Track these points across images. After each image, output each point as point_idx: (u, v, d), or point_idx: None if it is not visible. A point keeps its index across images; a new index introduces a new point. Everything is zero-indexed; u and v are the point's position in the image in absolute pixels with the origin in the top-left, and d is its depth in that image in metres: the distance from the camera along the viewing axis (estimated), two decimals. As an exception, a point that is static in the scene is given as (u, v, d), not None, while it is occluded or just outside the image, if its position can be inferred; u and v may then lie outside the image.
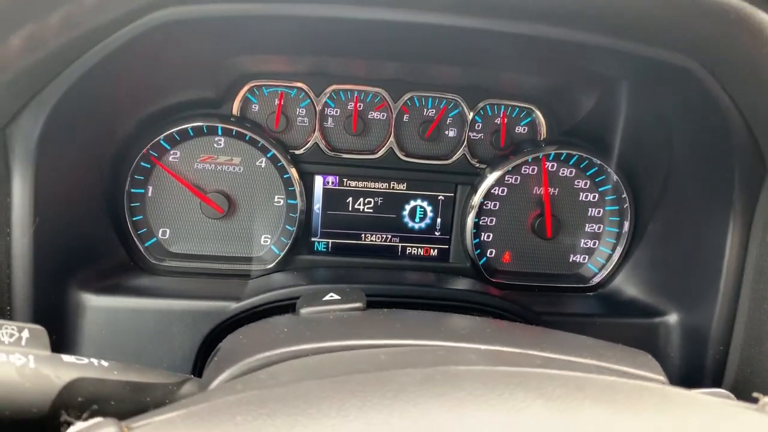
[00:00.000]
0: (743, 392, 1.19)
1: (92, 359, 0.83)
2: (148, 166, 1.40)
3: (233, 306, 1.24)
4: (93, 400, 0.81)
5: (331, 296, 1.03)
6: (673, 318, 1.36)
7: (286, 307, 1.22)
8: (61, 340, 1.17)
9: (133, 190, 1.40)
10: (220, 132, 1.41)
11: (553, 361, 0.81)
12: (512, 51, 1.18)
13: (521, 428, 0.54)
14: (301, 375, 0.71)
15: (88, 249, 1.26)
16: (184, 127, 1.37)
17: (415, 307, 1.25)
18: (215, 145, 1.42)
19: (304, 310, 1.00)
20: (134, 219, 1.41)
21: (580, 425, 0.56)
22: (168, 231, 1.44)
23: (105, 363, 0.84)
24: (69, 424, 0.69)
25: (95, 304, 1.21)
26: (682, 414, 0.59)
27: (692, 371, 1.31)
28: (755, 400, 0.67)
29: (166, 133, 1.37)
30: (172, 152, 1.41)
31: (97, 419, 0.60)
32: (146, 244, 1.42)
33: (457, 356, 0.75)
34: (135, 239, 1.40)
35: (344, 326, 0.92)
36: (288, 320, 1.00)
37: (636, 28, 0.96)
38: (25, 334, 0.79)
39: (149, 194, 1.42)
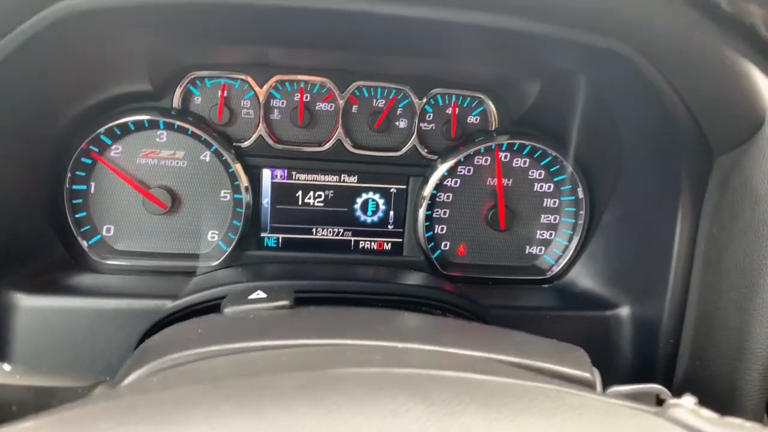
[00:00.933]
0: (694, 385, 1.17)
1: (-7, 364, 0.80)
2: (90, 161, 1.37)
3: (169, 304, 1.21)
4: (-7, 406, 0.78)
5: (258, 294, 1.01)
6: (625, 311, 1.33)
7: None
8: (-8, 343, 1.15)
9: (74, 187, 1.36)
10: (161, 126, 1.37)
11: (469, 360, 0.78)
12: (453, 40, 1.14)
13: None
14: (190, 379, 0.68)
15: (20, 246, 1.23)
16: (123, 121, 1.33)
17: (367, 303, 1.23)
18: (157, 139, 1.39)
19: (227, 309, 0.98)
20: (77, 216, 1.37)
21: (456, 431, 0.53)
22: (113, 228, 1.41)
23: (7, 367, 0.80)
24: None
25: (27, 303, 1.18)
26: (570, 418, 0.57)
27: (644, 364, 1.29)
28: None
29: (105, 127, 1.33)
30: (113, 147, 1.38)
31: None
32: (90, 242, 1.39)
33: (360, 356, 0.72)
34: (78, 237, 1.37)
35: (261, 326, 0.89)
36: (208, 320, 0.97)
37: (566, 12, 0.93)
38: None
39: (92, 190, 1.39)
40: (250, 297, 0.99)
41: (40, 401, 0.82)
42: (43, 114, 1.21)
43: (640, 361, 1.29)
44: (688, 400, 0.61)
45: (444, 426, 0.54)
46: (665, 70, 1.00)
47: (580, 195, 1.48)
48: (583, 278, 1.48)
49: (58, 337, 1.20)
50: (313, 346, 0.78)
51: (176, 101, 1.37)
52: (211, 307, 1.19)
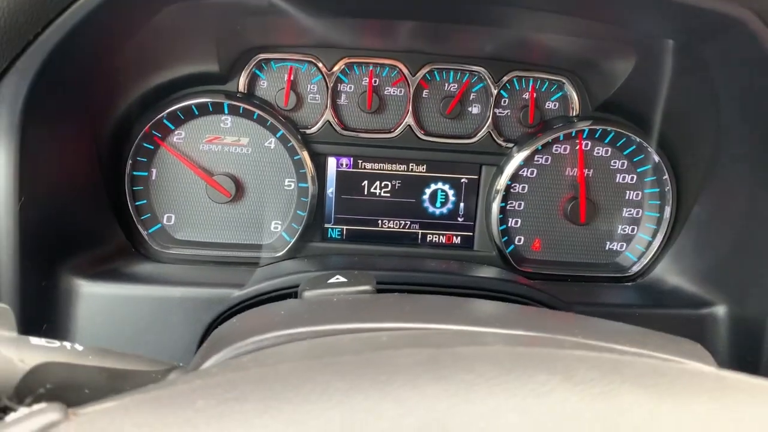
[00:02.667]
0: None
1: (65, 343, 0.74)
2: (152, 147, 1.32)
3: (236, 293, 1.15)
4: (64, 387, 0.72)
5: (337, 278, 0.93)
6: (721, 309, 1.23)
7: (292, 295, 1.13)
8: (53, 328, 1.09)
9: (135, 173, 1.32)
10: (226, 110, 1.32)
11: (585, 346, 0.70)
12: (543, 4, 1.06)
13: (543, 416, 0.43)
14: (288, 357, 0.61)
15: (83, 232, 1.18)
16: (187, 104, 1.29)
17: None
18: (221, 124, 1.34)
19: (307, 293, 0.90)
20: (137, 204, 1.33)
21: (619, 414, 0.45)
22: (173, 216, 1.36)
23: (79, 347, 0.74)
24: (9, 410, 0.60)
25: (89, 290, 1.13)
26: (743, 402, 0.48)
27: (745, 369, 1.17)
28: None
29: (168, 111, 1.28)
30: (176, 132, 1.33)
31: (42, 405, 0.51)
32: (150, 231, 1.34)
33: (469, 338, 0.64)
34: (138, 225, 1.32)
35: (348, 309, 0.81)
36: (288, 304, 0.90)
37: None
38: (-14, 313, 0.71)
39: (153, 177, 1.34)
40: (330, 281, 0.92)
41: (113, 384, 0.76)
42: (108, 91, 1.17)
43: (740, 365, 1.18)
44: None
45: (599, 408, 0.46)
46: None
47: (666, 187, 1.38)
48: (670, 275, 1.38)
49: (119, 325, 1.14)
50: (413, 329, 0.70)
51: (242, 85, 1.32)
52: (281, 296, 1.13)
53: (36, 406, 0.51)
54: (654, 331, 0.86)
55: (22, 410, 0.51)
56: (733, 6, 0.89)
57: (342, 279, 0.93)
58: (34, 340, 0.72)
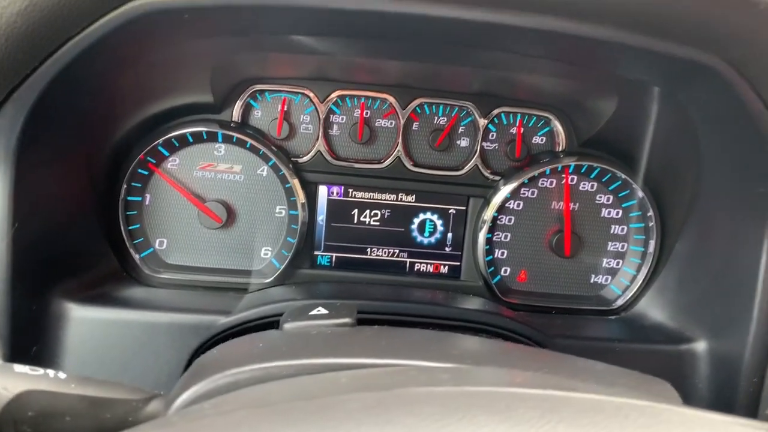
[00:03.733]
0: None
1: (48, 371, 0.77)
2: (146, 173, 1.35)
3: (222, 320, 1.17)
4: (46, 415, 0.74)
5: (319, 310, 0.96)
6: (701, 345, 1.24)
7: (277, 323, 1.15)
8: (41, 352, 1.12)
9: (129, 198, 1.35)
10: (220, 138, 1.35)
11: (547, 379, 0.71)
12: (528, 50, 1.10)
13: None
14: (245, 403, 0.63)
15: (75, 257, 1.21)
16: (182, 132, 1.32)
17: (422, 327, 1.17)
18: (215, 152, 1.37)
19: (287, 325, 0.93)
20: (130, 228, 1.35)
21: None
22: (165, 241, 1.39)
23: (62, 375, 0.77)
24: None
25: (79, 314, 1.15)
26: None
27: (723, 404, 1.19)
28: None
29: (164, 139, 1.32)
30: (170, 159, 1.36)
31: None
32: (142, 255, 1.37)
33: (426, 376, 0.66)
34: (130, 249, 1.35)
35: (324, 343, 0.84)
36: (268, 336, 0.92)
37: (655, 22, 0.87)
38: (-28, 341, 0.73)
39: (147, 202, 1.37)
40: (311, 313, 0.94)
41: (94, 412, 0.78)
42: (104, 121, 1.20)
43: (719, 401, 1.20)
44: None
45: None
46: (759, 86, 0.94)
47: (650, 222, 1.40)
48: (653, 310, 1.39)
49: (108, 349, 1.16)
50: (378, 365, 0.72)
51: (236, 114, 1.35)
52: (266, 324, 1.15)
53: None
54: (626, 370, 0.88)
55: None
56: (707, 55, 0.92)
57: (323, 311, 0.96)
58: (18, 368, 0.75)
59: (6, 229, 1.01)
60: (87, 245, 1.25)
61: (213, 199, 1.37)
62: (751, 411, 1.14)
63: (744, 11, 0.83)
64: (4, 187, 1.00)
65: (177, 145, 1.35)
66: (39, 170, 1.06)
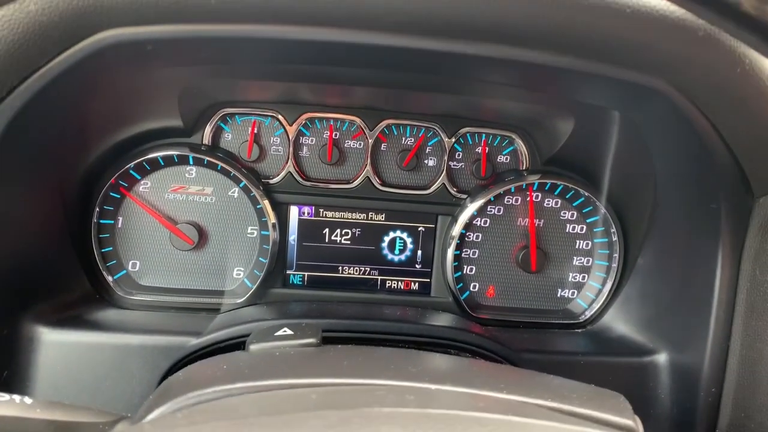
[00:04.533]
0: (738, 438, 1.11)
1: (14, 396, 0.78)
2: (118, 196, 1.37)
3: (193, 342, 1.19)
4: (12, 441, 0.76)
5: (285, 331, 0.98)
6: (662, 357, 1.28)
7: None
8: (13, 376, 1.12)
9: (102, 221, 1.36)
10: (191, 161, 1.37)
11: (503, 403, 0.74)
12: (486, 76, 1.13)
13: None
14: (216, 416, 0.65)
15: (48, 280, 1.22)
16: (153, 156, 1.34)
17: (393, 344, 1.19)
18: (186, 174, 1.39)
19: (253, 347, 0.95)
20: (103, 251, 1.37)
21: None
22: (138, 263, 1.40)
23: (28, 400, 0.78)
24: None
25: (51, 338, 1.16)
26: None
27: (684, 414, 1.22)
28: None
29: (135, 162, 1.34)
30: (142, 182, 1.38)
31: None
32: (115, 277, 1.38)
33: (392, 397, 0.69)
34: (103, 272, 1.36)
35: (287, 364, 0.86)
36: (234, 357, 0.94)
37: (598, 47, 0.91)
38: (-62, 367, 0.75)
39: (119, 225, 1.38)
40: (277, 334, 0.96)
41: (59, 437, 0.79)
42: (74, 147, 1.22)
43: (680, 411, 1.23)
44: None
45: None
46: (705, 108, 0.98)
47: (614, 237, 1.44)
48: (617, 323, 1.43)
49: (80, 372, 1.17)
50: (341, 385, 0.75)
51: (207, 137, 1.38)
52: (236, 344, 1.17)
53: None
54: (583, 384, 0.91)
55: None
56: (653, 79, 0.96)
57: (289, 332, 0.98)
58: (-16, 394, 0.76)
59: (-24, 254, 1.02)
60: (59, 268, 1.26)
61: (185, 221, 1.39)
62: (711, 420, 1.18)
63: (679, 37, 0.88)
64: (-27, 212, 1.01)
65: (148, 168, 1.37)
66: (9, 196, 1.08)
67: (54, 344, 1.16)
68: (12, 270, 1.11)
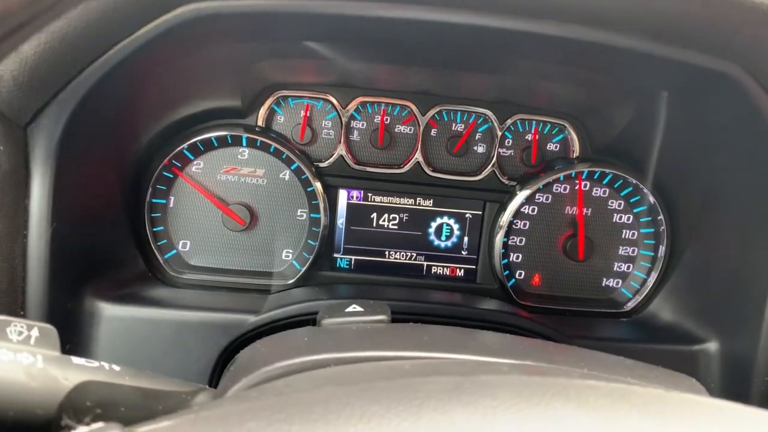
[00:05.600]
0: (791, 427, 1.12)
1: (103, 363, 0.79)
2: (171, 176, 1.38)
3: (252, 319, 1.20)
4: (102, 405, 0.77)
5: (354, 308, 0.99)
6: (713, 346, 1.28)
7: (306, 322, 1.18)
8: (75, 349, 1.14)
9: (154, 200, 1.37)
10: (244, 143, 1.38)
11: (589, 376, 0.75)
12: (547, 56, 1.14)
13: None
14: (320, 383, 0.66)
15: (105, 257, 1.23)
16: (208, 136, 1.35)
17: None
18: (239, 156, 1.40)
19: (325, 321, 0.95)
20: (155, 230, 1.38)
21: (630, 439, 0.50)
22: (188, 243, 1.41)
23: (116, 367, 0.80)
24: (70, 428, 0.65)
25: (111, 313, 1.17)
26: (740, 428, 0.53)
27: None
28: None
29: (189, 143, 1.34)
30: (195, 162, 1.39)
31: (100, 424, 0.56)
32: (166, 256, 1.39)
33: (486, 367, 0.70)
34: (155, 250, 1.37)
35: (367, 337, 0.87)
36: (309, 331, 0.95)
37: (675, 30, 0.92)
38: (35, 332, 0.76)
39: (171, 205, 1.39)
40: (347, 310, 0.97)
41: (146, 404, 0.80)
42: (136, 124, 1.23)
43: (732, 400, 1.23)
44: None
45: (612, 432, 0.51)
46: (776, 94, 0.99)
47: (661, 227, 1.44)
48: (664, 312, 1.43)
49: (139, 347, 1.19)
50: (432, 358, 0.75)
51: (260, 119, 1.39)
52: (295, 323, 1.18)
53: (95, 425, 0.56)
54: (653, 366, 0.91)
55: (82, 429, 0.56)
56: (725, 63, 0.97)
57: (358, 308, 0.99)
58: (76, 360, 0.77)
59: (46, 229, 1.03)
60: (117, 246, 1.27)
61: (236, 202, 1.40)
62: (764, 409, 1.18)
63: (761, 19, 0.88)
64: (44, 186, 1.02)
65: (202, 148, 1.37)
66: (75, 171, 1.09)
67: (114, 319, 1.18)
68: (76, 248, 1.12)
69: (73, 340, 1.14)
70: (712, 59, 0.96)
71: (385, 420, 0.52)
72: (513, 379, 0.61)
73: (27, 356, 0.73)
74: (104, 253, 1.24)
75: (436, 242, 1.49)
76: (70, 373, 0.75)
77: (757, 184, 1.17)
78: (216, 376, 1.18)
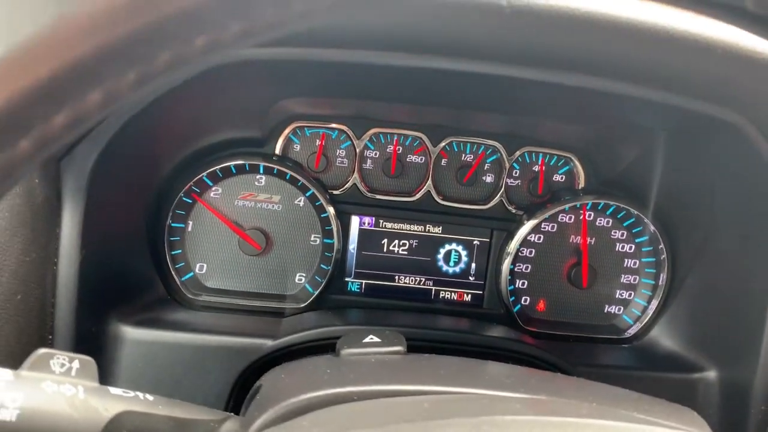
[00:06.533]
0: (787, 455, 1.16)
1: (138, 393, 0.84)
2: (190, 201, 1.42)
3: (269, 343, 1.24)
4: (137, 434, 0.81)
5: (372, 338, 1.03)
6: (712, 374, 1.33)
7: (322, 347, 1.22)
8: (100, 371, 1.18)
9: (173, 224, 1.42)
10: (261, 170, 1.43)
11: (597, 412, 0.80)
12: (551, 100, 1.20)
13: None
14: (345, 423, 0.70)
15: (129, 282, 1.28)
16: (227, 164, 1.40)
17: (450, 353, 1.25)
18: (256, 183, 1.45)
19: (344, 351, 1.00)
20: (173, 253, 1.43)
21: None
22: (205, 266, 1.46)
23: (150, 397, 0.84)
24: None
25: (133, 336, 1.22)
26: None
27: (733, 431, 1.28)
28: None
29: (209, 170, 1.39)
30: (213, 189, 1.44)
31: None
32: (183, 279, 1.44)
33: (501, 405, 0.74)
34: (173, 273, 1.42)
35: (387, 370, 0.91)
36: (329, 361, 1.00)
37: (679, 81, 0.97)
38: (75, 364, 0.81)
39: (189, 229, 1.44)
40: (365, 340, 1.02)
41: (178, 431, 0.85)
42: (161, 154, 1.28)
43: (730, 428, 1.28)
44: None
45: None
46: (775, 141, 1.04)
47: (662, 256, 1.49)
48: (664, 339, 1.48)
49: (159, 370, 1.23)
50: (449, 393, 0.80)
51: (278, 148, 1.44)
52: (311, 348, 1.22)
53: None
54: (656, 398, 0.96)
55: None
56: (729, 112, 1.02)
57: (376, 339, 1.03)
58: (113, 390, 0.82)
59: (76, 256, 1.08)
60: (139, 271, 1.32)
61: (252, 227, 1.44)
62: (760, 437, 1.23)
63: (761, 75, 0.93)
64: (75, 216, 1.07)
65: (220, 175, 1.42)
66: (104, 201, 1.14)
67: (136, 343, 1.22)
68: (102, 274, 1.17)
69: (97, 362, 1.17)
70: (717, 108, 1.01)
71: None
72: (526, 420, 0.66)
73: (69, 387, 0.77)
74: (128, 277, 1.28)
75: (445, 268, 1.54)
76: (109, 404, 0.79)
77: (754, 218, 1.22)
78: (233, 399, 1.22)
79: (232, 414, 0.90)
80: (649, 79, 1.00)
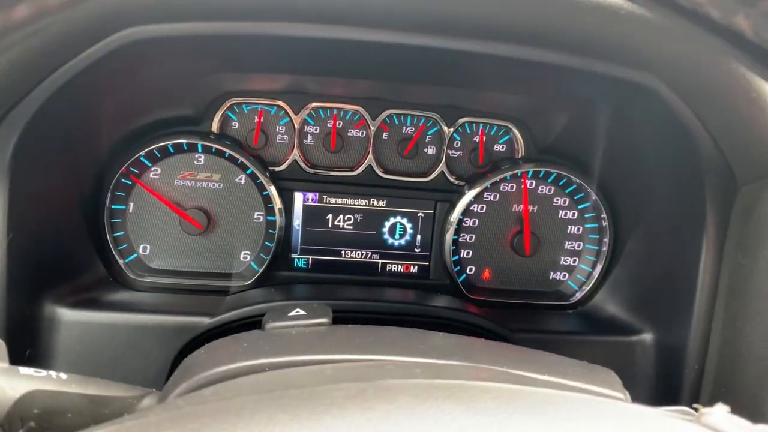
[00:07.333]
0: (718, 411, 1.19)
1: (51, 372, 0.84)
2: (129, 182, 1.42)
3: (206, 321, 1.25)
4: (50, 412, 0.82)
5: (297, 312, 1.04)
6: (649, 336, 1.35)
7: (258, 323, 1.23)
8: (35, 354, 1.18)
9: (114, 206, 1.41)
10: (200, 149, 1.43)
11: (504, 375, 0.81)
12: (485, 71, 1.20)
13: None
14: (243, 391, 0.71)
15: (65, 264, 1.28)
16: (164, 144, 1.39)
17: (394, 324, 1.26)
18: (195, 162, 1.44)
19: (269, 326, 1.01)
20: (115, 235, 1.42)
21: (506, 439, 0.56)
22: (149, 247, 1.46)
23: (63, 376, 0.84)
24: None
25: (69, 318, 1.22)
26: (613, 424, 0.60)
27: (669, 390, 1.30)
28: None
29: (146, 150, 1.39)
30: (152, 169, 1.43)
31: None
32: (126, 260, 1.43)
33: (401, 370, 0.75)
34: (115, 255, 1.42)
35: (304, 342, 0.92)
36: (251, 336, 1.00)
37: (595, 47, 0.97)
38: (-17, 346, 0.81)
39: (130, 210, 1.44)
40: (290, 314, 1.02)
41: (93, 409, 0.86)
42: (91, 136, 1.27)
43: (665, 387, 1.31)
44: (722, 408, 0.64)
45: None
46: (691, 102, 1.04)
47: (604, 223, 1.51)
48: (607, 304, 1.51)
49: (97, 351, 1.23)
50: (355, 361, 0.81)
51: (215, 126, 1.43)
52: (248, 324, 1.23)
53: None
54: (577, 361, 0.98)
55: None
56: (643, 75, 1.02)
57: (301, 312, 1.04)
58: (23, 370, 0.82)
59: (1, 239, 1.07)
60: (75, 252, 1.31)
61: (193, 207, 1.44)
62: (694, 394, 1.25)
63: (673, 35, 0.94)
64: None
65: (158, 155, 1.42)
66: (31, 184, 1.13)
67: (72, 324, 1.22)
68: (32, 255, 1.16)
69: (33, 346, 1.18)
70: (630, 71, 1.02)
71: (288, 427, 0.57)
72: (414, 383, 0.67)
73: (-25, 369, 0.77)
74: (63, 259, 1.28)
75: (390, 241, 1.54)
76: (17, 384, 0.80)
77: (682, 182, 1.23)
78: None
79: (153, 390, 0.91)
80: (568, 45, 1.00)
